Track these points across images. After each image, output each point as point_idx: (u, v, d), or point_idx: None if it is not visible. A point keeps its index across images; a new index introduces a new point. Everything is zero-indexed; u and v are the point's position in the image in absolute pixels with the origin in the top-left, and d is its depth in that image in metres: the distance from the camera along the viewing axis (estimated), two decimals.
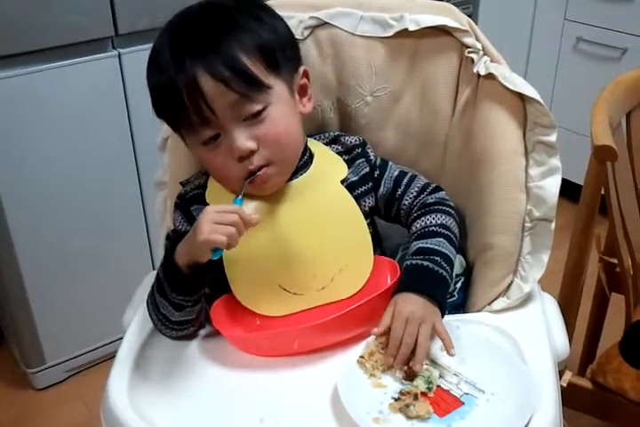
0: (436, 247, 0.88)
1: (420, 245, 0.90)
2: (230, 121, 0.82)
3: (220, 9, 0.86)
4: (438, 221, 0.92)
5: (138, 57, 1.53)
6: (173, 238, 0.88)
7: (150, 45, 1.53)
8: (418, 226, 0.93)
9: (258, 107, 0.83)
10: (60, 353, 1.72)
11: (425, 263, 0.87)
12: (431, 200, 0.95)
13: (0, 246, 1.55)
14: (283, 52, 0.87)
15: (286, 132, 0.86)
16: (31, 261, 1.58)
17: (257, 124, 0.83)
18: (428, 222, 0.92)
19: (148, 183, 1.65)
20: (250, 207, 0.89)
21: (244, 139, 0.82)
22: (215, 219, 0.78)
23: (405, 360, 0.81)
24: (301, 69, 0.91)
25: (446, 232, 0.91)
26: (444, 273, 0.87)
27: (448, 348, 0.82)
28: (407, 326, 0.82)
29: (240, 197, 0.83)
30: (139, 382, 0.82)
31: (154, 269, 1.66)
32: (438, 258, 0.87)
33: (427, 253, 0.88)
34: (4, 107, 1.42)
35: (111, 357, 1.74)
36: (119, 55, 1.53)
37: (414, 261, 0.88)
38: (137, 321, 0.91)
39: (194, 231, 0.79)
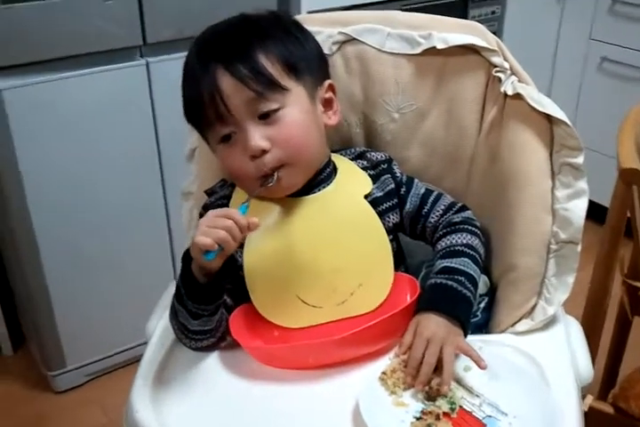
0: (461, 267, 0.89)
1: (445, 264, 0.90)
2: (245, 119, 0.84)
3: (252, 21, 0.89)
4: (464, 241, 0.92)
5: (165, 66, 1.56)
6: None
7: (178, 55, 1.57)
8: (443, 244, 0.93)
9: (273, 106, 0.85)
10: (80, 357, 1.74)
11: (449, 283, 0.87)
12: (457, 219, 0.95)
13: (26, 252, 1.57)
14: (307, 63, 0.89)
15: (300, 135, 0.87)
16: (55, 267, 1.60)
17: (271, 125, 0.85)
18: (453, 242, 0.92)
19: (172, 192, 1.67)
20: (270, 218, 0.89)
21: (257, 138, 0.84)
22: (209, 223, 0.79)
23: (426, 380, 0.81)
24: (326, 83, 0.93)
25: (472, 252, 0.91)
26: (468, 293, 0.87)
27: (478, 361, 0.81)
28: (429, 346, 0.82)
29: (246, 203, 0.84)
30: (161, 390, 0.82)
31: (175, 278, 1.67)
32: (463, 278, 0.87)
33: (451, 273, 0.88)
34: (33, 112, 1.44)
35: (130, 363, 1.77)
36: (147, 64, 1.55)
37: (438, 280, 0.88)
38: (160, 329, 0.92)
39: None
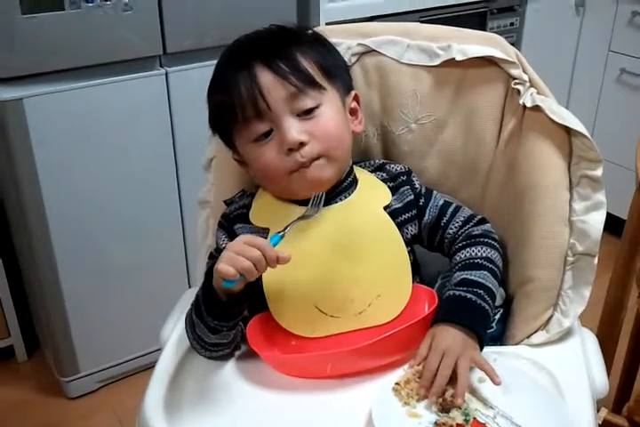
0: (480, 280, 0.88)
1: (464, 276, 0.89)
2: (283, 114, 0.86)
3: (285, 28, 0.92)
4: (483, 254, 0.91)
5: (184, 76, 1.57)
6: (215, 258, 0.89)
7: (197, 65, 1.59)
8: (462, 256, 0.92)
9: (311, 103, 0.87)
10: (93, 363, 1.74)
11: (468, 295, 0.87)
12: (477, 232, 0.94)
13: (42, 259, 1.58)
14: (337, 70, 0.92)
15: (336, 131, 0.89)
16: (70, 274, 1.61)
17: (309, 120, 0.87)
18: (473, 254, 0.92)
19: (188, 201, 1.68)
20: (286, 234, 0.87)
21: (295, 131, 0.85)
22: (237, 249, 0.78)
23: (440, 392, 0.80)
24: (353, 93, 0.95)
25: (491, 266, 0.91)
26: (487, 307, 0.86)
27: (493, 377, 0.81)
28: (444, 358, 0.82)
29: (282, 233, 0.83)
30: (175, 397, 0.82)
31: (189, 286, 1.68)
32: (482, 291, 0.87)
33: (470, 286, 0.88)
34: (52, 120, 1.46)
35: (143, 369, 1.77)
36: (166, 74, 1.56)
37: (457, 292, 0.87)
38: (175, 337, 0.92)
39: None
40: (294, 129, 0.85)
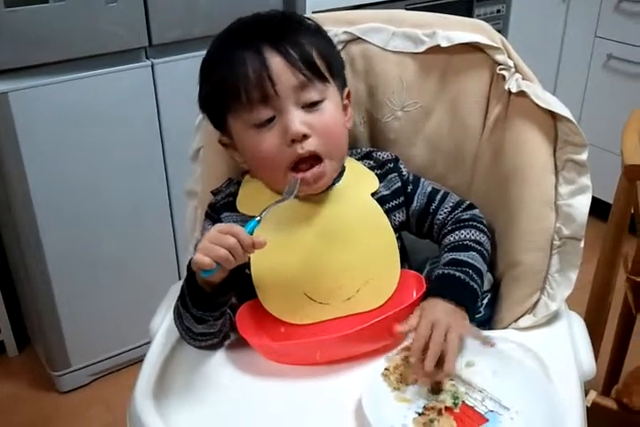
0: (468, 260, 0.89)
1: (453, 256, 0.90)
2: (289, 103, 0.85)
3: (287, 14, 0.91)
4: (472, 237, 0.92)
5: (170, 67, 1.57)
6: None
7: (183, 56, 1.58)
8: (451, 239, 0.93)
9: (317, 97, 0.86)
10: (85, 357, 1.75)
11: (457, 274, 0.87)
12: (465, 216, 0.95)
13: (31, 252, 1.58)
14: (337, 65, 0.92)
15: (336, 128, 0.89)
16: (60, 267, 1.61)
17: (313, 113, 0.86)
18: (462, 237, 0.92)
19: (176, 192, 1.67)
20: (278, 214, 0.87)
21: (298, 123, 0.84)
22: (212, 238, 0.78)
23: (434, 361, 0.79)
24: (346, 90, 0.95)
25: (479, 248, 0.91)
26: (475, 285, 0.87)
27: (487, 341, 0.81)
28: (434, 328, 0.81)
29: (258, 218, 0.82)
30: (165, 388, 0.83)
31: (180, 278, 1.69)
32: (470, 270, 0.88)
33: (459, 265, 0.88)
34: (39, 114, 1.45)
35: (135, 362, 1.77)
36: (152, 65, 1.55)
37: (446, 271, 0.88)
38: (164, 328, 0.92)
39: None
40: (298, 120, 0.84)
